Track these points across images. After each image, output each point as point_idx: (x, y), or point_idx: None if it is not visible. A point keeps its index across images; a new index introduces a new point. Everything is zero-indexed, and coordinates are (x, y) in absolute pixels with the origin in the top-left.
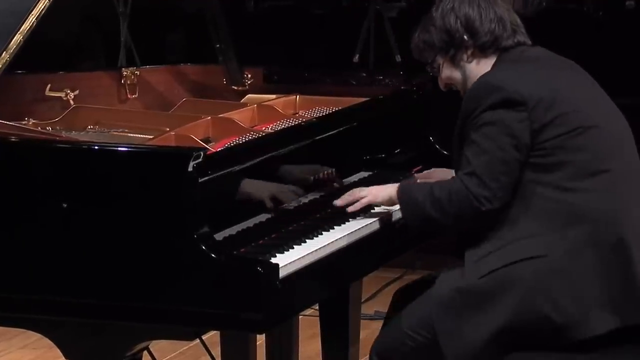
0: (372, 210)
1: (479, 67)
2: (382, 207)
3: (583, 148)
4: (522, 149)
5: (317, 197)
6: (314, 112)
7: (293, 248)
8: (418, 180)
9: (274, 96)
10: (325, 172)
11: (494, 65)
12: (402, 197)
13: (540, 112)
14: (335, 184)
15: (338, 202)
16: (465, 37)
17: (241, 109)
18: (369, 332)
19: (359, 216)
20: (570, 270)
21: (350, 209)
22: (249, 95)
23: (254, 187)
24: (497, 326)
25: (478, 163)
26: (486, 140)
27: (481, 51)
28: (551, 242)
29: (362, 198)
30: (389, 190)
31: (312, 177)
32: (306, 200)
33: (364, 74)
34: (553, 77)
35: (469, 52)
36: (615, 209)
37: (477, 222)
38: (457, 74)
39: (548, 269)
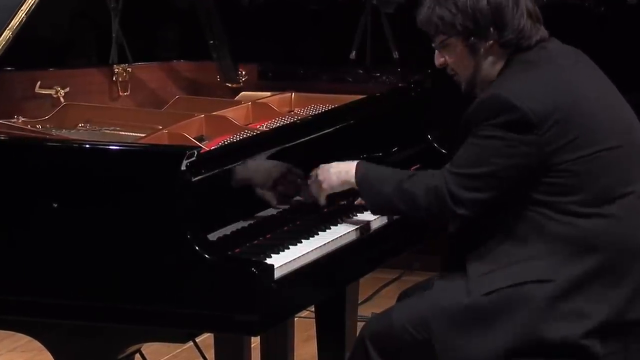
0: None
1: (493, 63)
2: None
3: (600, 173)
4: (522, 171)
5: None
6: (310, 110)
7: (289, 248)
8: None
9: (268, 93)
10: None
11: (507, 65)
12: (362, 186)
13: (556, 134)
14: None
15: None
16: (491, 29)
17: (235, 107)
18: None
19: (355, 216)
20: (578, 299)
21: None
22: (243, 92)
23: (248, 186)
24: (500, 346)
25: (470, 169)
26: (486, 151)
27: (501, 47)
28: (560, 267)
29: (319, 192)
30: (342, 175)
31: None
32: (301, 199)
33: (361, 71)
34: (570, 86)
35: (489, 44)
36: (634, 234)
37: (445, 223)
38: (469, 64)
39: (555, 294)
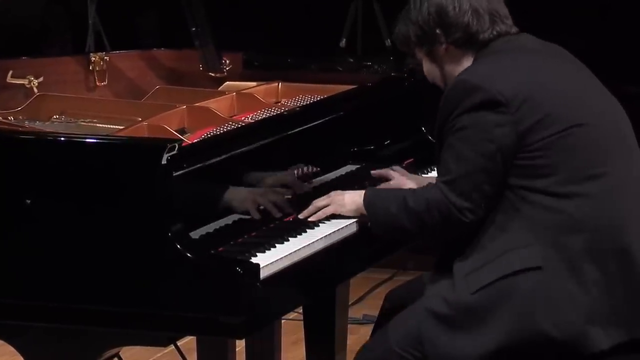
0: None
1: (457, 63)
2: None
3: (575, 149)
4: (505, 154)
5: (301, 193)
6: (298, 101)
7: (275, 247)
8: (381, 185)
9: (254, 83)
10: (304, 169)
11: (474, 61)
12: (370, 208)
13: (526, 112)
14: (306, 183)
15: (302, 215)
16: (437, 31)
17: (219, 98)
18: (356, 337)
19: None
20: (569, 283)
21: (312, 218)
22: (228, 82)
23: (232, 182)
24: (492, 344)
25: (458, 171)
26: (465, 146)
27: (457, 47)
28: (547, 253)
29: (325, 207)
30: (355, 198)
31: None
32: (289, 196)
33: (352, 60)
34: (539, 69)
35: (443, 47)
36: (617, 216)
37: (458, 233)
38: (435, 70)
39: (544, 282)
